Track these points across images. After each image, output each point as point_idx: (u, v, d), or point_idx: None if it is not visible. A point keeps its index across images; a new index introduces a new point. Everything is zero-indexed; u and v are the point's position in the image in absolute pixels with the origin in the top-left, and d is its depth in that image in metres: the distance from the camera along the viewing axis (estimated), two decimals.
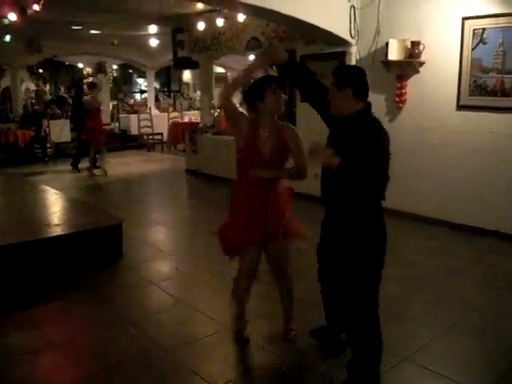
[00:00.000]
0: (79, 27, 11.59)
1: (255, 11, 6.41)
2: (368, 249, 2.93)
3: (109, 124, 15.33)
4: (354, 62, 6.94)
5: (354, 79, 2.91)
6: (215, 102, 10.94)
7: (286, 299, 3.69)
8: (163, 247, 5.93)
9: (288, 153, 3.34)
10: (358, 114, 2.89)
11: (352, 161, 2.69)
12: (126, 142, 14.96)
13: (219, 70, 16.70)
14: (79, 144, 10.92)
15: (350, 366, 3.08)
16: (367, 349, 3.02)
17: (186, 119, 14.28)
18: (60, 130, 12.65)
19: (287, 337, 3.67)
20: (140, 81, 22.25)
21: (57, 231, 5.19)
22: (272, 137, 3.29)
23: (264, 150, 3.27)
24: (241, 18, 8.47)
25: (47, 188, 7.56)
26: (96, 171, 10.41)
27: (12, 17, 7.62)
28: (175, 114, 15.27)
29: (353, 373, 3.06)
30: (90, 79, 15.37)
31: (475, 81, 5.86)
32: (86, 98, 10.63)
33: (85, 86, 11.95)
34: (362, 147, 2.74)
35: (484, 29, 5.70)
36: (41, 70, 16.83)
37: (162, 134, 14.50)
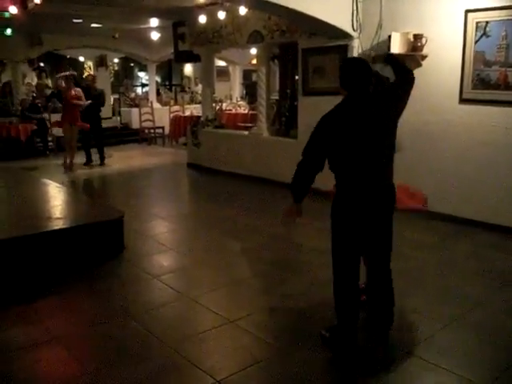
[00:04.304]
0: (80, 20, 11.54)
1: (257, 4, 6.39)
2: (333, 225, 3.25)
3: (110, 118, 15.29)
4: (355, 56, 6.91)
5: (341, 71, 3.25)
6: (216, 95, 10.83)
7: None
8: (165, 241, 5.93)
9: None
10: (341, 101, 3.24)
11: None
12: (127, 135, 14.94)
13: (221, 63, 16.65)
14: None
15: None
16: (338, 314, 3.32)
17: (188, 113, 14.24)
18: None
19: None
20: (141, 74, 22.19)
21: (58, 225, 5.19)
22: None
23: None
24: (242, 11, 8.43)
25: (48, 181, 7.56)
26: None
27: (13, 10, 7.59)
28: (176, 107, 15.23)
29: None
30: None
31: (478, 74, 5.83)
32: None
33: None
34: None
35: (487, 21, 5.66)
36: (42, 64, 16.80)
37: (163, 127, 14.49)
